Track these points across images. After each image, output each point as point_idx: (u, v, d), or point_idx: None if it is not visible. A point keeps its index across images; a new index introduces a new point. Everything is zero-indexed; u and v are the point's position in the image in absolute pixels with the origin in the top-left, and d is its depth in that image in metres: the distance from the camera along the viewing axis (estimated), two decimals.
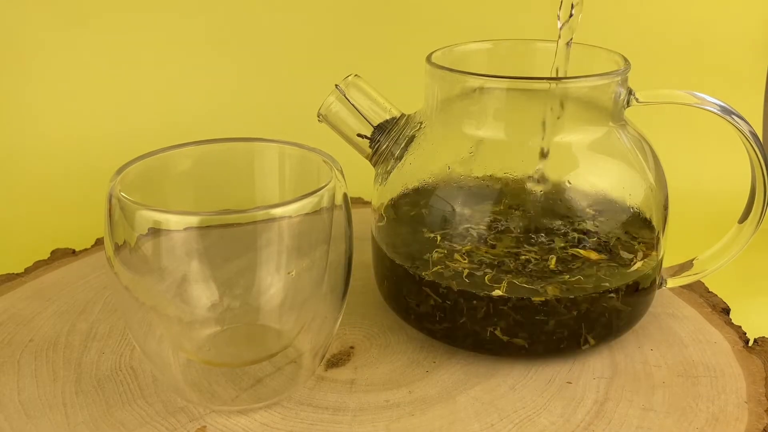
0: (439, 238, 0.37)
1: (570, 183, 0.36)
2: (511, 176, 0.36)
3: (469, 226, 0.36)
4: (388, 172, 0.39)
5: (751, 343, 0.39)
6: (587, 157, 0.37)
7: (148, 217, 0.29)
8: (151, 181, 0.33)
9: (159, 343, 0.33)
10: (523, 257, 0.35)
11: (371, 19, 0.72)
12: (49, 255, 0.48)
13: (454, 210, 0.36)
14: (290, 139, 0.35)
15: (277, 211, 0.29)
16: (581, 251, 0.36)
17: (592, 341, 0.36)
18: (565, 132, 0.36)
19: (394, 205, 0.39)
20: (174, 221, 0.29)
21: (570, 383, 0.36)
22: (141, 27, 0.70)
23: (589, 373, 0.36)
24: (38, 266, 0.47)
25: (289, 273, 0.31)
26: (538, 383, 0.36)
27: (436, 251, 0.36)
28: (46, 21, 0.68)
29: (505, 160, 0.37)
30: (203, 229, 0.29)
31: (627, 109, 0.37)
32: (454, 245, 0.36)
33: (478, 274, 0.35)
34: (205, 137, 0.35)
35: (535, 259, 0.35)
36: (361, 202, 0.57)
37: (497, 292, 0.34)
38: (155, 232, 0.29)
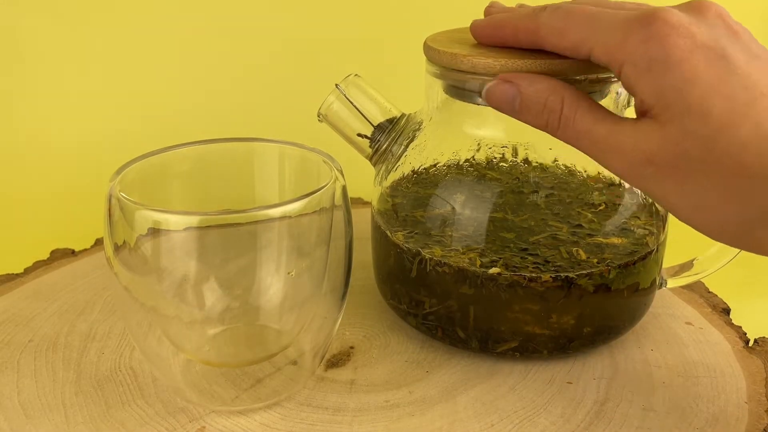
0: (442, 225, 0.37)
1: (569, 183, 0.36)
2: (511, 174, 0.36)
3: (469, 217, 0.36)
4: (388, 172, 0.39)
5: (751, 343, 0.39)
6: (587, 156, 0.37)
7: (147, 217, 0.29)
8: (150, 181, 0.33)
9: (159, 344, 0.33)
10: (519, 247, 0.36)
11: (371, 19, 0.72)
12: (48, 255, 0.48)
13: (453, 208, 0.36)
14: (290, 139, 0.35)
15: (277, 211, 0.29)
16: (581, 250, 0.36)
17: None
18: None
19: (396, 188, 0.39)
20: (174, 221, 0.29)
21: (570, 383, 0.36)
22: (141, 26, 0.70)
23: (589, 374, 0.36)
24: (38, 266, 0.47)
25: (289, 273, 0.31)
26: (538, 383, 0.36)
27: (440, 239, 0.36)
28: (45, 21, 0.68)
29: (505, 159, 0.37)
30: (203, 229, 0.29)
31: (627, 109, 0.37)
32: (458, 233, 0.36)
33: (478, 259, 0.35)
34: (205, 137, 0.35)
35: (538, 247, 0.35)
36: (361, 202, 0.57)
37: (494, 270, 0.34)
38: (155, 232, 0.29)
